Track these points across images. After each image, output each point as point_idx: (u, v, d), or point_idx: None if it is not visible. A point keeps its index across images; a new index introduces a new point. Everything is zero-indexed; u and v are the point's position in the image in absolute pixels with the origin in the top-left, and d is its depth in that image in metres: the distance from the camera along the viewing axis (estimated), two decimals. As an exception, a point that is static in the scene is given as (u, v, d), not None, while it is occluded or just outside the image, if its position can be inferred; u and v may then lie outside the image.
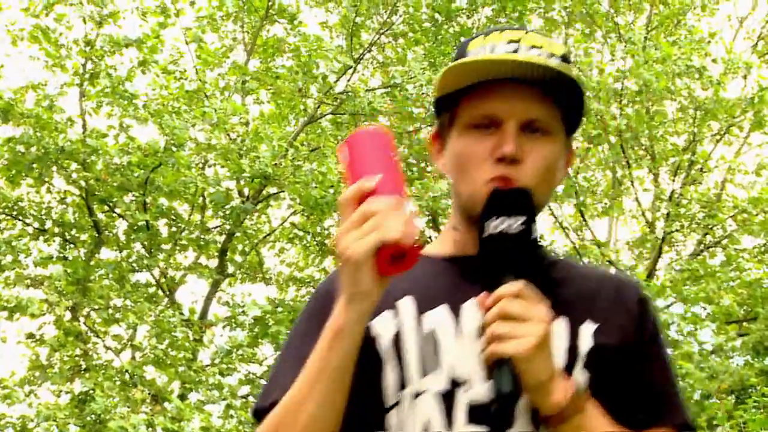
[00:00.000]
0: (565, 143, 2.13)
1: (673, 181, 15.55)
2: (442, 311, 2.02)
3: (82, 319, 13.52)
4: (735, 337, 13.59)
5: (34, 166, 12.89)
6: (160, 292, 14.22)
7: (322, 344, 1.86)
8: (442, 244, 2.18)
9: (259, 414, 2.01)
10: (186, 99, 14.26)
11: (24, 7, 13.59)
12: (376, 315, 1.99)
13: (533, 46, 2.06)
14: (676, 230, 15.15)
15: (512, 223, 1.89)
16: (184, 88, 14.51)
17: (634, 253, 16.36)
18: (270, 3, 14.79)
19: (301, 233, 15.57)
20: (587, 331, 2.04)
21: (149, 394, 12.40)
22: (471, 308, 2.00)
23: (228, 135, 13.96)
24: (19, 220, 13.70)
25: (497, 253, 1.88)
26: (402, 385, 1.97)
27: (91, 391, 11.94)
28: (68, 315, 13.18)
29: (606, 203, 16.23)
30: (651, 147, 15.50)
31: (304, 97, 15.02)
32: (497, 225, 1.89)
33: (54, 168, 13.20)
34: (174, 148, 12.92)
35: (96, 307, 13.20)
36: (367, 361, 1.94)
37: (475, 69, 2.01)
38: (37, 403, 12.73)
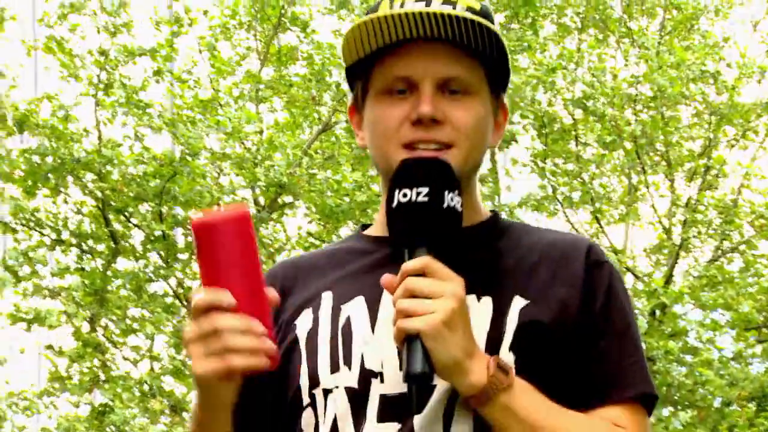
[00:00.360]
0: (491, 103, 1.98)
1: (689, 186, 15.54)
2: (358, 300, 1.92)
3: (100, 330, 13.54)
4: (754, 343, 13.64)
5: (50, 176, 12.92)
6: (177, 302, 14.19)
7: (195, 414, 1.86)
8: (379, 221, 2.02)
9: None
10: (200, 108, 14.30)
11: (38, 17, 13.62)
12: (297, 315, 1.94)
13: (446, 1, 1.89)
14: (693, 236, 15.13)
15: (419, 193, 1.74)
16: (198, 96, 14.54)
17: (651, 260, 16.29)
18: (283, 11, 14.79)
19: (317, 242, 15.55)
20: (515, 308, 1.87)
21: (168, 404, 12.41)
22: (384, 302, 1.87)
23: (242, 144, 13.97)
24: (36, 230, 13.66)
25: (404, 226, 1.75)
26: (315, 384, 1.88)
27: (110, 402, 11.97)
28: (86, 326, 13.19)
29: (622, 210, 16.17)
30: (666, 153, 15.46)
31: (318, 105, 15.03)
32: (404, 195, 1.74)
33: (70, 178, 13.24)
34: (189, 158, 12.95)
35: (114, 317, 13.23)
36: (289, 363, 1.89)
37: (384, 28, 1.87)
38: (56, 414, 12.78)
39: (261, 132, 14.35)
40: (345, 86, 14.10)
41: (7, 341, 13.97)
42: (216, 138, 13.67)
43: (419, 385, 1.75)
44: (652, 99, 14.73)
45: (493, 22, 1.92)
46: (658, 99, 14.52)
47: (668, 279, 14.70)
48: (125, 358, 13.77)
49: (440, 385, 1.78)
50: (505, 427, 1.76)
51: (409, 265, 1.71)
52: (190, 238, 14.20)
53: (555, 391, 1.82)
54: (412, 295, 1.68)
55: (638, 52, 15.20)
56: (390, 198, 1.76)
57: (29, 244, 13.48)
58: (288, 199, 14.33)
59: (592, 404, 1.85)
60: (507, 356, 1.82)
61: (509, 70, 1.99)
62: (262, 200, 14.48)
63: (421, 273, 1.69)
